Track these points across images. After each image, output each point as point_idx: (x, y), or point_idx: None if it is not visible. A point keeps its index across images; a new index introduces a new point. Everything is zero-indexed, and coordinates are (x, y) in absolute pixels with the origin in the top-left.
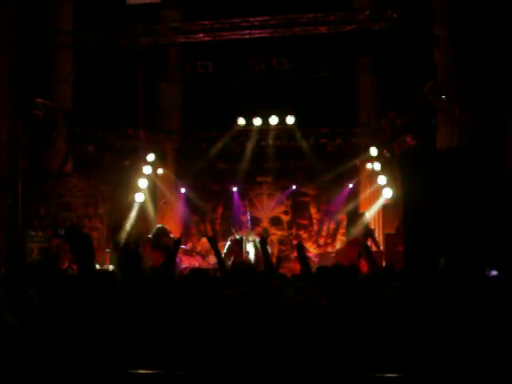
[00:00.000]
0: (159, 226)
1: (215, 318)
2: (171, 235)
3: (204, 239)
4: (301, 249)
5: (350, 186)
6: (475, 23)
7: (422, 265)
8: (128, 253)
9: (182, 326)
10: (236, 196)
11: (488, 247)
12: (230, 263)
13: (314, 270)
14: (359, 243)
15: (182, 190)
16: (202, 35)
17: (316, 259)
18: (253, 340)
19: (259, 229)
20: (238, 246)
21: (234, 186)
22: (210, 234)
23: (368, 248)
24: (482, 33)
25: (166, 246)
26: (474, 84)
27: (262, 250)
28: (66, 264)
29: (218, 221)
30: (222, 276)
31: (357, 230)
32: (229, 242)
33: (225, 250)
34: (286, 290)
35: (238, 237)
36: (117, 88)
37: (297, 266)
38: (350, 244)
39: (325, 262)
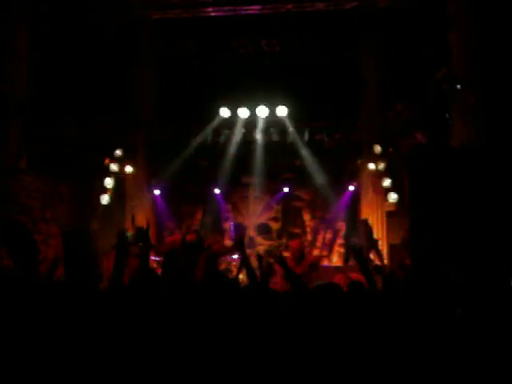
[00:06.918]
0: (128, 234)
1: None
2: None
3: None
4: (283, 263)
5: (351, 188)
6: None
7: (433, 282)
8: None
9: None
10: (220, 199)
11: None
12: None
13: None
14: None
15: (156, 192)
16: (179, 11)
17: None
18: None
19: None
20: None
21: (216, 187)
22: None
23: (365, 262)
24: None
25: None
26: (493, 71)
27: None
28: None
29: (196, 228)
30: None
31: (358, 241)
32: None
33: None
34: None
35: None
36: (78, 72)
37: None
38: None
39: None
